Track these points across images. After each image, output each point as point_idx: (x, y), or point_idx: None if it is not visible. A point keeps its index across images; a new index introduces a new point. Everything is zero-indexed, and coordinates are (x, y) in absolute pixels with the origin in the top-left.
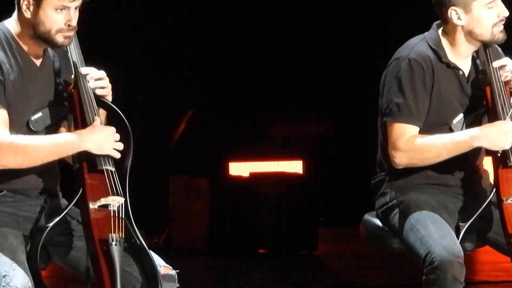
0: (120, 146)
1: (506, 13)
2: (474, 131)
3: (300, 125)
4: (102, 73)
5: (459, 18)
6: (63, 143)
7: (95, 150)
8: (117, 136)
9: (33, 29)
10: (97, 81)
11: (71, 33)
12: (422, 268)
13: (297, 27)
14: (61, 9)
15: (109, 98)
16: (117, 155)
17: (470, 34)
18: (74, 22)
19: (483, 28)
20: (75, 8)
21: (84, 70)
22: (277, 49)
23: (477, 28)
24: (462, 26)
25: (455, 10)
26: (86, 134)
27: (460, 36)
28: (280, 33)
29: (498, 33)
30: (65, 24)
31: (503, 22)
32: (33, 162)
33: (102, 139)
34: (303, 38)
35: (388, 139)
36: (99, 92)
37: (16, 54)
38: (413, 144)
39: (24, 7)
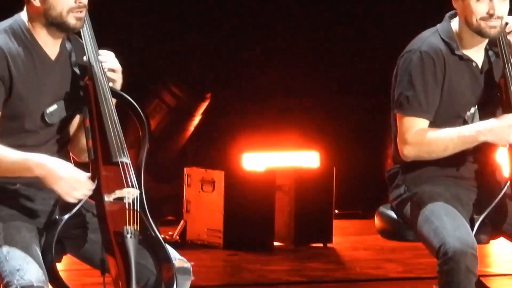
0: (74, 192)
1: (495, 10)
2: (481, 125)
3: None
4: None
5: (456, 2)
6: (20, 165)
7: (44, 181)
8: (77, 184)
9: (44, 17)
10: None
11: (82, 14)
12: (436, 259)
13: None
14: None
15: (119, 82)
16: (66, 198)
17: (465, 23)
18: None
19: (472, 18)
20: None
21: (102, 54)
22: (295, 39)
23: (467, 17)
24: (460, 13)
25: None
26: (45, 165)
27: (461, 23)
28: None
29: (488, 28)
30: (75, 2)
31: (498, 20)
32: None
33: (53, 178)
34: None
35: (398, 131)
36: (108, 75)
37: (30, 47)
38: (421, 137)
39: None
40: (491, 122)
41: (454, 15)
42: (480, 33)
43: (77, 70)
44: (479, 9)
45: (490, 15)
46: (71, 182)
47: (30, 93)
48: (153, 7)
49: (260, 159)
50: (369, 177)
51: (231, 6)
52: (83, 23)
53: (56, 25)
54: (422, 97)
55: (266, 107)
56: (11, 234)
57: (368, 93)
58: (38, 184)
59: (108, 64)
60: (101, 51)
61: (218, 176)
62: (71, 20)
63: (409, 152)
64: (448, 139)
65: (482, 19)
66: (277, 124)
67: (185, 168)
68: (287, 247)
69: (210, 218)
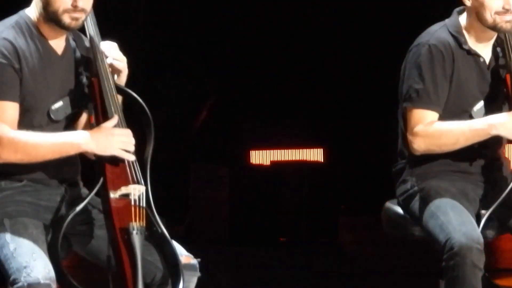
0: (128, 146)
1: (511, 6)
2: (492, 119)
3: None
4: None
5: None
6: (63, 144)
7: (97, 151)
8: (126, 138)
9: (44, 10)
10: (113, 55)
11: (79, 15)
12: (441, 255)
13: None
14: None
15: (125, 73)
16: (124, 155)
17: (478, 18)
18: (80, 4)
19: (485, 13)
20: None
21: (104, 45)
22: (299, 37)
23: (480, 13)
24: (470, 8)
25: None
26: (88, 136)
27: (472, 19)
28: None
29: (503, 22)
30: (71, 5)
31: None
32: (33, 159)
33: (105, 141)
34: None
35: (407, 124)
36: (114, 63)
37: (37, 42)
38: (432, 130)
39: None
40: (502, 116)
41: (462, 11)
42: (495, 28)
43: (81, 67)
44: (494, 4)
45: (506, 10)
46: (121, 137)
47: (39, 87)
48: (161, 8)
49: (266, 156)
50: (375, 173)
51: (238, 8)
52: (79, 23)
53: (53, 20)
54: (431, 89)
55: (272, 105)
56: (18, 231)
57: (373, 88)
58: (44, 180)
59: (112, 53)
60: (104, 43)
61: (224, 172)
62: (66, 19)
63: (419, 145)
64: (459, 132)
65: (497, 13)
66: (283, 122)
67: (191, 165)
68: (293, 242)
69: (217, 214)
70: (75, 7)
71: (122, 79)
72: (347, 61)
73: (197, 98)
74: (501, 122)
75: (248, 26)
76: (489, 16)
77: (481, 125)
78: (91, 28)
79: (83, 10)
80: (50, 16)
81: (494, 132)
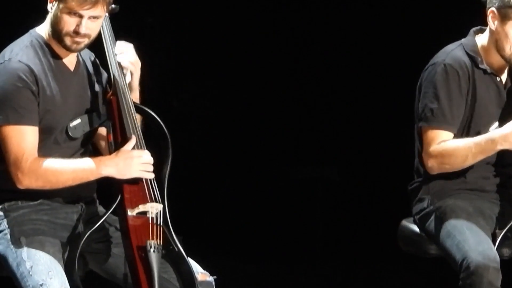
0: (147, 167)
1: None
2: (495, 133)
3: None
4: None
5: (493, 21)
6: (83, 170)
7: (117, 176)
8: (145, 159)
9: (52, 28)
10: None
11: (81, 40)
12: (458, 274)
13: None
14: (74, 14)
15: (137, 75)
16: (145, 176)
17: (496, 44)
18: (82, 30)
19: (505, 45)
20: (93, 17)
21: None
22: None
23: (500, 41)
24: (493, 31)
25: (494, 13)
26: (107, 161)
27: (491, 42)
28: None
29: None
30: (73, 31)
31: None
32: (54, 186)
33: (124, 165)
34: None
35: (423, 144)
36: (124, 63)
37: (50, 59)
38: (442, 149)
39: (49, 5)
40: (505, 129)
41: (478, 31)
42: (509, 62)
43: (94, 81)
44: None
45: None
46: (140, 159)
47: (56, 105)
48: (178, 26)
49: (278, 172)
50: (391, 190)
51: (260, 29)
52: (81, 47)
53: (57, 39)
54: (446, 109)
55: (284, 121)
56: (34, 249)
57: (389, 106)
58: (61, 199)
59: (127, 57)
60: (120, 42)
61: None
62: (67, 41)
63: (432, 165)
64: (467, 149)
65: None
66: (296, 138)
67: None
68: (308, 260)
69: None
70: (77, 33)
71: (134, 82)
72: (363, 77)
73: (214, 114)
74: (504, 135)
75: (267, 44)
76: (508, 49)
77: (485, 140)
78: (109, 46)
79: (85, 36)
80: (54, 35)
81: (499, 147)
